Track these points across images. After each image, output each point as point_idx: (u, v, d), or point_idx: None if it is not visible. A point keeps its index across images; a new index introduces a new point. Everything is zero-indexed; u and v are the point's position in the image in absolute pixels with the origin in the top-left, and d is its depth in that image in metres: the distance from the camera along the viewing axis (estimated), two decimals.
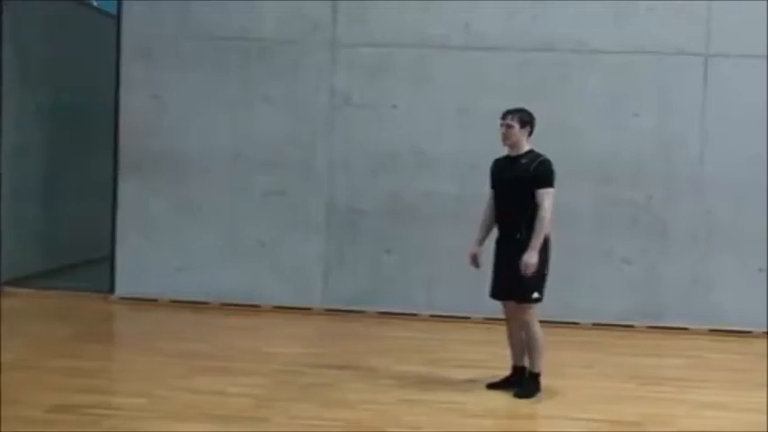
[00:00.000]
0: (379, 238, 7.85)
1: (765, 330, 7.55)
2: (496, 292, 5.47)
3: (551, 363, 5.94)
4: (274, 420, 4.79)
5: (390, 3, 7.81)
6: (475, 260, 5.52)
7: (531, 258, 5.20)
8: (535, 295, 5.32)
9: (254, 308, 7.93)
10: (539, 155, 5.40)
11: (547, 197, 5.28)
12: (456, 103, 7.74)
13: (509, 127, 5.39)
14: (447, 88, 7.77)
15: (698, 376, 6.16)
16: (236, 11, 7.94)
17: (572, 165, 7.66)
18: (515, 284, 5.29)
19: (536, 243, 5.23)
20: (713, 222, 7.64)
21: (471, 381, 5.66)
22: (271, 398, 5.23)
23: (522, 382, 5.41)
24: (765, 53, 7.48)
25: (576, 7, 7.63)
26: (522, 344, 5.47)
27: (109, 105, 8.17)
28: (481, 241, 5.54)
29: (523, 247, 5.25)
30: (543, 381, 5.50)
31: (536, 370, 5.42)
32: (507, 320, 5.54)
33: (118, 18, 8.13)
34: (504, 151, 5.56)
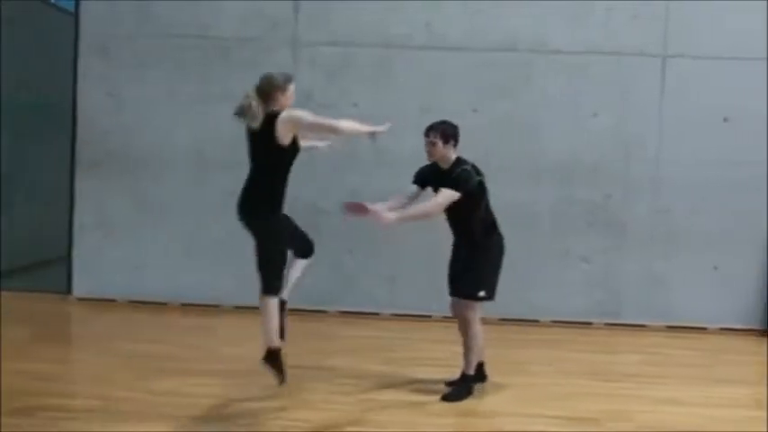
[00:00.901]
0: (341, 237, 7.84)
1: (720, 327, 7.70)
2: (450, 289, 5.49)
3: (512, 360, 6.00)
4: (235, 421, 4.77)
5: (352, 2, 7.81)
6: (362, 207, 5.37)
7: (388, 218, 5.17)
8: (482, 293, 5.31)
9: (214, 308, 7.87)
10: (463, 163, 5.38)
11: (443, 195, 5.21)
12: (418, 102, 7.75)
13: (433, 144, 5.41)
14: (408, 88, 7.79)
15: (655, 372, 6.25)
16: (195, 9, 7.88)
17: (532, 164, 7.76)
18: (461, 280, 5.33)
19: (404, 216, 5.20)
20: (670, 222, 7.75)
21: (433, 379, 5.68)
22: (231, 399, 5.19)
23: (456, 384, 5.39)
24: (722, 54, 7.61)
25: (537, 8, 7.69)
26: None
27: (66, 103, 8.06)
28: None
29: (477, 246, 5.31)
30: (505, 378, 5.53)
31: (469, 372, 5.37)
32: (456, 317, 5.53)
33: (76, 16, 8.02)
34: None
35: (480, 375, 5.50)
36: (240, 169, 7.84)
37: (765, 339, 7.46)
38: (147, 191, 7.94)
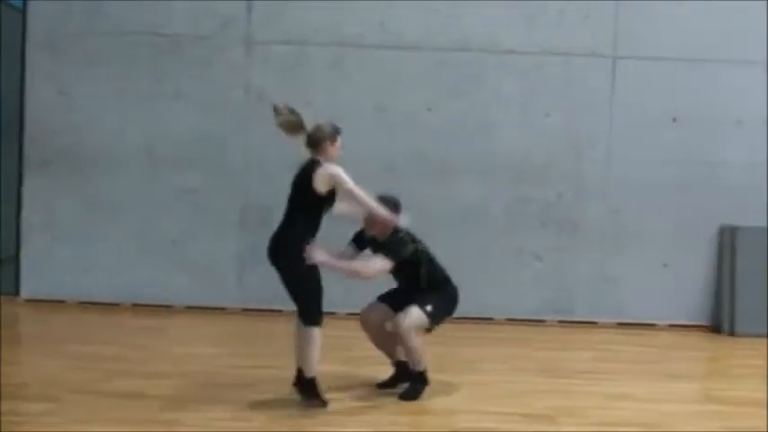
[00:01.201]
0: None
1: (669, 323, 7.85)
2: (394, 304, 5.35)
3: (466, 359, 6.02)
4: (187, 423, 4.71)
5: (305, 1, 7.78)
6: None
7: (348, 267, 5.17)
8: (429, 308, 5.19)
9: (166, 308, 7.78)
10: (398, 232, 5.30)
11: (376, 264, 5.18)
12: (372, 101, 7.77)
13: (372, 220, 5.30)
14: (363, 87, 7.79)
15: (607, 369, 6.34)
16: (146, 5, 7.78)
17: (486, 163, 7.82)
18: (409, 298, 5.26)
19: (353, 267, 5.19)
20: (620, 220, 7.88)
21: None
22: (183, 399, 5.13)
23: (410, 382, 5.34)
24: (671, 55, 7.76)
25: (490, 8, 7.76)
26: (387, 338, 5.40)
27: (14, 101, 7.89)
28: None
29: (424, 288, 5.27)
30: (459, 377, 5.56)
31: (419, 368, 5.30)
32: (366, 323, 5.48)
33: (23, 12, 7.86)
34: None
35: (406, 375, 5.39)
36: (191, 167, 7.84)
37: (713, 336, 7.64)
38: (97, 190, 7.82)
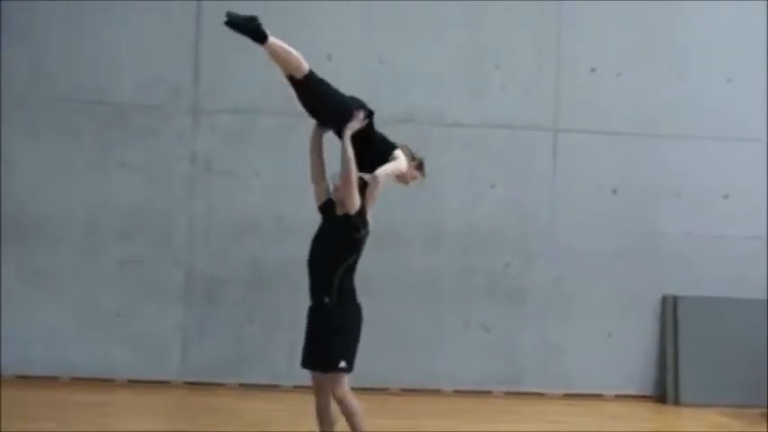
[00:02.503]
0: (240, 306, 7.71)
1: (616, 393, 7.89)
2: (303, 360, 4.95)
3: None
4: None
5: (253, 69, 7.81)
6: None
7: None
8: (342, 364, 4.79)
9: (107, 382, 7.57)
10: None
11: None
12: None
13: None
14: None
15: None
16: (92, 73, 7.73)
17: (433, 233, 7.87)
18: (319, 351, 4.86)
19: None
20: (565, 289, 7.96)
21: None
22: None
23: None
24: (610, 129, 7.98)
25: (435, 81, 7.91)
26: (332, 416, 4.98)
27: None
28: None
29: (332, 313, 4.86)
30: None
31: None
32: (316, 393, 4.98)
33: None
34: None
35: None
36: (136, 238, 7.72)
37: (659, 406, 7.69)
38: (38, 261, 7.62)
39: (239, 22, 4.71)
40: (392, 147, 5.08)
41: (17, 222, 7.63)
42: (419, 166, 5.17)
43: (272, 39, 4.75)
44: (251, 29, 4.76)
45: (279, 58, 4.81)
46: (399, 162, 5.00)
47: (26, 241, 7.62)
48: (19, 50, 7.66)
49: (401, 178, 5.15)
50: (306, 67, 4.90)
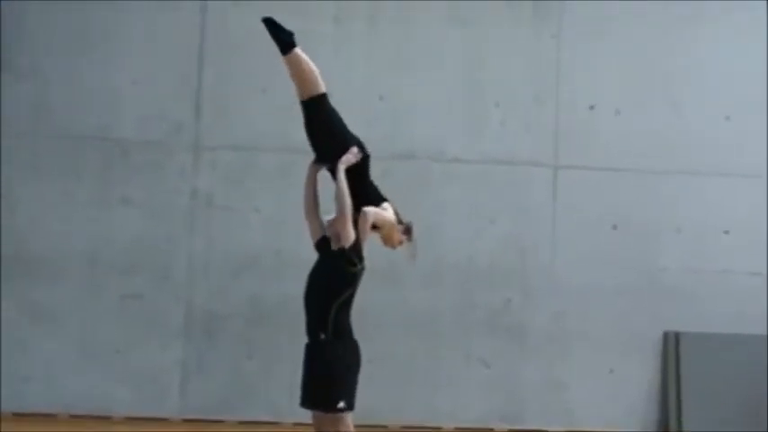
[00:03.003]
0: (240, 342, 7.68)
1: (617, 430, 7.82)
2: (302, 399, 4.84)
3: None
4: None
5: (254, 106, 7.89)
6: None
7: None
8: (341, 404, 4.69)
9: (104, 419, 7.51)
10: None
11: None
12: (320, 207, 7.79)
13: None
14: None
15: None
16: (95, 109, 7.78)
17: (433, 269, 7.85)
18: (317, 391, 4.76)
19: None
20: (566, 325, 7.93)
21: None
22: None
23: None
24: (610, 165, 8.01)
25: (435, 118, 7.96)
26: None
27: None
28: None
29: (327, 349, 4.78)
30: None
31: None
32: None
33: None
34: None
35: None
36: (136, 273, 7.72)
37: None
38: (38, 296, 7.61)
39: (277, 26, 4.83)
40: (382, 199, 5.12)
41: (17, 257, 7.64)
42: (407, 230, 5.17)
43: (296, 50, 4.84)
44: (283, 36, 4.86)
45: (298, 70, 4.88)
46: (386, 212, 5.03)
47: (26, 276, 7.62)
48: (21, 87, 7.73)
49: (388, 241, 5.16)
50: (321, 87, 4.96)
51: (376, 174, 7.96)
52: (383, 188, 7.91)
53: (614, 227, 8.01)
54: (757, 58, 8.15)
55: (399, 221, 5.17)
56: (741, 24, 8.20)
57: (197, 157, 7.85)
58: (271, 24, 4.90)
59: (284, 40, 4.90)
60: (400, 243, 5.18)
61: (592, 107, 8.10)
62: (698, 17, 8.21)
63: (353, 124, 8.19)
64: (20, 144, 7.74)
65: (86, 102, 7.78)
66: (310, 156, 8.10)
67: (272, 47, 8.04)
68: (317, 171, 5.17)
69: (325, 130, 5.06)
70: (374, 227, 5.08)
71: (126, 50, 7.81)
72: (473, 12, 8.07)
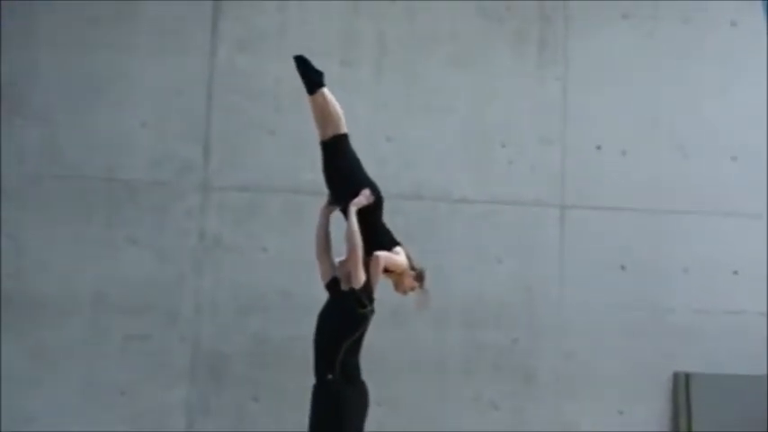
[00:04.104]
0: (246, 384, 7.63)
1: None
2: None
3: None
4: None
5: (262, 147, 7.94)
6: None
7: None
8: None
9: None
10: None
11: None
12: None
13: None
14: None
15: None
16: (104, 150, 7.82)
17: (440, 309, 7.80)
18: None
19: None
20: (574, 366, 7.87)
21: None
22: None
23: None
24: (617, 205, 8.01)
25: (442, 158, 7.99)
26: None
27: None
28: None
29: (335, 390, 4.80)
30: None
31: None
32: None
33: None
34: None
35: None
36: (143, 314, 7.70)
37: None
38: (44, 337, 7.58)
39: (307, 65, 4.86)
40: (395, 243, 5.12)
41: (23, 297, 7.62)
42: (419, 276, 5.14)
43: (323, 90, 4.88)
44: (312, 75, 4.90)
45: (323, 110, 4.91)
46: (399, 257, 5.02)
47: (31, 316, 7.60)
48: (31, 129, 7.78)
49: (399, 287, 5.14)
50: (343, 128, 4.99)
51: (384, 213, 8.01)
52: (391, 228, 7.95)
53: (622, 267, 7.99)
54: (763, 98, 8.19)
55: (412, 267, 5.14)
56: (746, 65, 8.26)
57: (205, 198, 7.88)
58: (302, 62, 4.94)
59: (313, 79, 4.94)
60: (412, 289, 5.15)
61: (598, 147, 8.12)
62: (703, 58, 8.28)
63: (361, 161, 8.25)
64: (28, 185, 7.77)
65: (95, 143, 7.82)
66: (318, 197, 8.12)
67: (279, 89, 8.16)
68: (330, 212, 5.19)
69: (343, 171, 5.09)
70: (386, 270, 5.07)
71: (135, 93, 7.88)
72: (479, 54, 8.15)
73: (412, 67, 8.09)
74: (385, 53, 8.08)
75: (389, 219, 7.86)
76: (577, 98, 8.16)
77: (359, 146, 7.70)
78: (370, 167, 7.90)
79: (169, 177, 7.86)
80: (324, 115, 5.01)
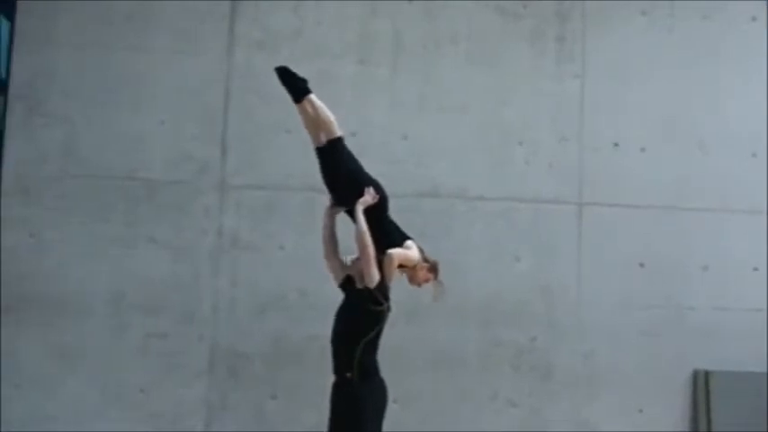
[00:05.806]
0: (264, 382, 7.65)
1: None
2: None
3: None
4: None
5: (279, 146, 7.96)
6: None
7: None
8: None
9: None
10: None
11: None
12: (342, 246, 7.81)
13: None
14: None
15: None
16: (122, 150, 7.87)
17: (458, 307, 7.81)
18: (344, 430, 4.84)
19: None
20: (593, 364, 7.84)
21: None
22: None
23: None
24: (635, 202, 7.98)
25: (459, 156, 7.98)
26: None
27: None
28: None
29: (354, 392, 4.84)
30: None
31: None
32: None
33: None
34: None
35: None
36: (161, 313, 7.74)
37: None
38: (64, 337, 7.64)
39: (290, 74, 4.85)
40: (405, 237, 5.13)
41: (44, 298, 7.67)
42: (432, 268, 5.16)
43: (310, 97, 4.86)
44: (296, 83, 4.89)
45: (312, 117, 4.90)
46: (411, 251, 5.03)
47: (52, 317, 7.66)
48: (51, 129, 7.84)
49: (414, 280, 5.16)
50: (337, 132, 4.98)
51: (401, 211, 7.99)
52: (408, 226, 7.94)
53: (641, 265, 7.95)
54: None
55: (425, 260, 5.16)
56: (765, 61, 8.19)
57: (223, 197, 7.91)
58: (283, 72, 4.91)
59: (298, 86, 4.92)
60: (426, 281, 5.18)
61: (616, 145, 8.09)
62: (722, 54, 8.22)
63: (378, 163, 8.25)
64: (47, 184, 7.83)
65: (114, 143, 7.86)
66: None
67: None
68: (335, 214, 5.20)
69: (344, 173, 5.09)
70: (400, 266, 5.09)
71: (153, 93, 7.92)
72: (496, 52, 8.13)
73: (429, 65, 8.09)
74: (402, 52, 8.08)
75: (406, 216, 7.86)
76: (595, 95, 8.12)
77: (375, 144, 7.75)
78: (387, 165, 7.95)
79: (187, 176, 7.90)
80: (315, 121, 5.00)
